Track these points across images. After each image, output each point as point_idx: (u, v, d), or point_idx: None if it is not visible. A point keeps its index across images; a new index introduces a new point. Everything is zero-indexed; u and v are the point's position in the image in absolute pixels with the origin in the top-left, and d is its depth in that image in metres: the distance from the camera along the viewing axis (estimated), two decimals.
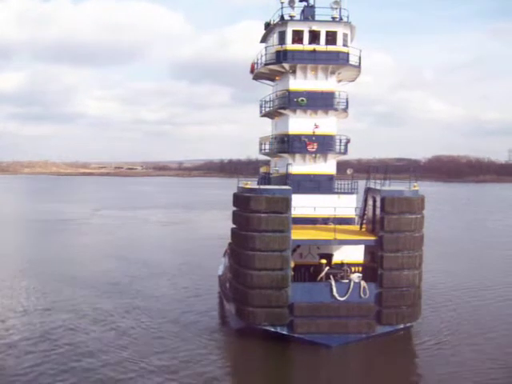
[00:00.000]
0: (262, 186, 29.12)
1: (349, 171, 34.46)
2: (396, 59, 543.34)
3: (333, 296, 26.67)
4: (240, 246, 27.32)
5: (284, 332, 26.60)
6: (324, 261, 28.31)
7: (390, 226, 26.66)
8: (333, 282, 26.88)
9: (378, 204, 27.25)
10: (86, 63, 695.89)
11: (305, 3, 34.04)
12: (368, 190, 29.61)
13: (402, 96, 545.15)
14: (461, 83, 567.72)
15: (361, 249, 29.99)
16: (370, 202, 28.97)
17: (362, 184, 31.69)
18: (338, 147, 33.35)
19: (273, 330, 26.61)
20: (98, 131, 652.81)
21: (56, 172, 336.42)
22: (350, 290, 26.70)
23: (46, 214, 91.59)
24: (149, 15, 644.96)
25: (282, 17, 32.95)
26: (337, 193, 32.74)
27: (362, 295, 26.77)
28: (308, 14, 33.46)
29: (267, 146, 36.32)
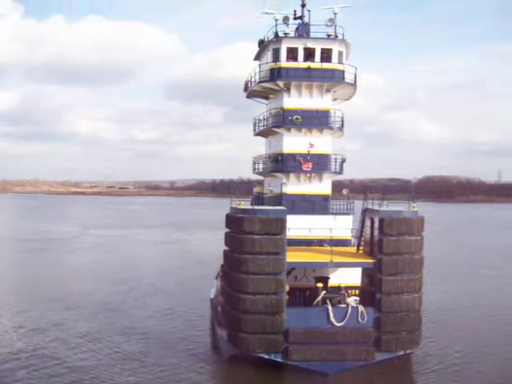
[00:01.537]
0: (255, 207, 28.19)
1: (344, 191, 33.56)
2: (387, 79, 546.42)
3: (329, 321, 25.65)
4: (233, 269, 26.26)
5: (278, 359, 25.47)
6: (320, 284, 27.30)
7: (388, 248, 25.77)
8: (329, 307, 25.85)
9: (376, 225, 26.38)
10: (79, 82, 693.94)
11: (299, 21, 33.61)
12: (366, 211, 28.73)
13: (393, 116, 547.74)
14: (453, 104, 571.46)
15: (358, 272, 29.01)
16: (368, 223, 28.07)
17: (357, 204, 30.87)
18: (333, 167, 32.59)
19: (267, 357, 25.46)
20: (90, 150, 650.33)
21: (47, 191, 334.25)
22: (348, 315, 25.68)
23: (35, 233, 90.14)
24: (143, 36, 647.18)
25: (276, 34, 32.42)
26: (333, 213, 31.86)
27: (360, 320, 25.76)
28: (303, 31, 32.95)
29: (261, 166, 35.53)
